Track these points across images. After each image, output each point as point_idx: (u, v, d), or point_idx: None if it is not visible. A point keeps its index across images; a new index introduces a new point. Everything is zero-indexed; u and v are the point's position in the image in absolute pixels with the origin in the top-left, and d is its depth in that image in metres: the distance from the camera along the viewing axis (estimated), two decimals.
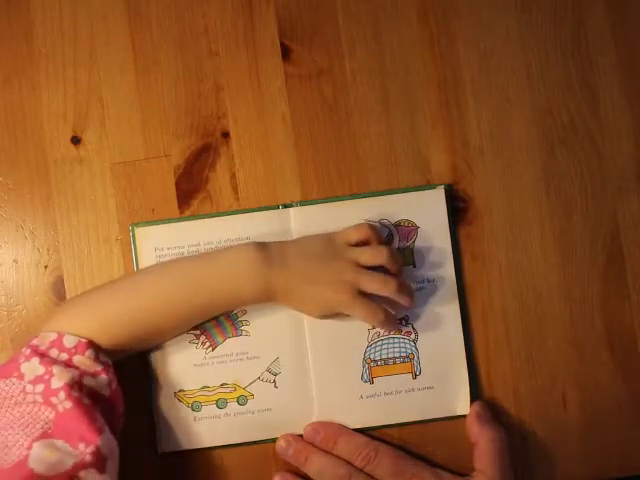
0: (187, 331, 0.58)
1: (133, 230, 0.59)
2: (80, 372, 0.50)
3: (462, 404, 0.59)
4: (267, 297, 0.54)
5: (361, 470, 0.56)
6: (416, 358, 0.59)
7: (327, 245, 0.55)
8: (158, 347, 0.58)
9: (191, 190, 0.60)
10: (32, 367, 0.50)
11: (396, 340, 0.59)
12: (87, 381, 0.51)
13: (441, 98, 0.62)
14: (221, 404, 0.58)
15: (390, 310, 0.55)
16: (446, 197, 0.60)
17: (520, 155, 0.61)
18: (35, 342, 0.51)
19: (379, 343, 0.59)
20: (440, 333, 0.59)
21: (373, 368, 0.59)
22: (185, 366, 0.58)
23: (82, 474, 0.45)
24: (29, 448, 0.46)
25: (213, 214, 0.60)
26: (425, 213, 0.60)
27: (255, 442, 0.58)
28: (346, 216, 0.59)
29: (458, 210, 0.61)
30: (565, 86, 0.62)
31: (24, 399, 0.49)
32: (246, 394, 0.58)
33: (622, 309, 0.61)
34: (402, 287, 0.54)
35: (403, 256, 0.59)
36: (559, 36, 0.62)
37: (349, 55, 0.62)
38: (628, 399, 0.60)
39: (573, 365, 0.60)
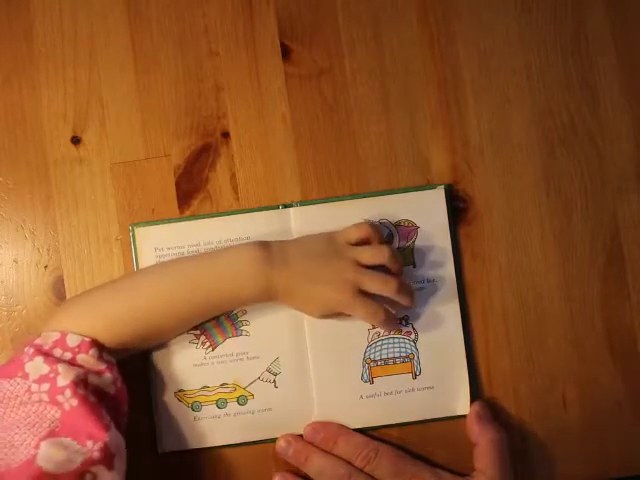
0: (188, 331, 0.58)
1: (133, 230, 0.59)
2: (85, 370, 0.50)
3: (462, 404, 0.59)
4: (268, 296, 0.54)
5: (361, 470, 0.56)
6: (416, 358, 0.59)
7: (328, 244, 0.55)
8: (158, 347, 0.58)
9: (191, 190, 0.60)
10: (36, 366, 0.50)
11: (396, 340, 0.59)
12: (92, 379, 0.51)
13: (441, 98, 0.62)
14: (221, 404, 0.58)
15: (390, 310, 0.55)
16: (446, 197, 0.60)
17: (520, 155, 0.61)
18: (38, 341, 0.51)
19: (379, 343, 0.59)
20: (440, 333, 0.59)
21: (373, 368, 0.59)
22: (185, 366, 0.58)
23: (91, 471, 0.45)
24: (37, 447, 0.46)
25: (213, 214, 0.60)
26: (425, 213, 0.60)
27: (255, 442, 0.58)
28: (346, 216, 0.59)
29: (458, 210, 0.61)
30: (565, 86, 0.62)
31: (29, 399, 0.48)
32: (246, 394, 0.58)
33: (622, 309, 0.61)
34: (402, 287, 0.54)
35: (403, 256, 0.59)
36: (559, 36, 0.62)
37: (349, 55, 0.62)
38: (628, 399, 0.60)
39: (573, 365, 0.60)
